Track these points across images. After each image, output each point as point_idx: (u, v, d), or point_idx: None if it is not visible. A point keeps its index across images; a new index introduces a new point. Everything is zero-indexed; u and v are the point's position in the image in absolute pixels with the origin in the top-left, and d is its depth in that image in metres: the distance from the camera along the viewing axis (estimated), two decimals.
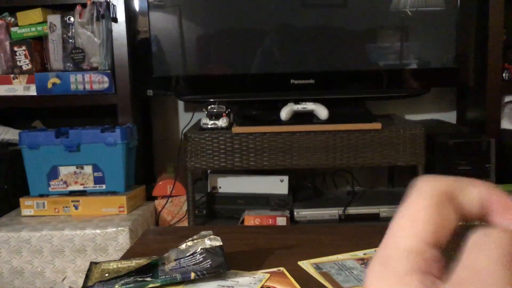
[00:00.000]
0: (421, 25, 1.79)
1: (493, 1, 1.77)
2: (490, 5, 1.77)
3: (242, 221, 1.67)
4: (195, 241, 0.77)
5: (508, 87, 1.86)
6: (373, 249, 0.86)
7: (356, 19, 1.81)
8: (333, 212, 1.73)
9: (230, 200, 1.80)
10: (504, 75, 1.84)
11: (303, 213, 1.72)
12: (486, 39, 1.80)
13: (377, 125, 1.65)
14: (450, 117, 2.14)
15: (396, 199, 1.79)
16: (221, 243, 0.77)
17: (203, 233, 0.79)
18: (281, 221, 1.66)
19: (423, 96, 2.01)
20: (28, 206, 1.69)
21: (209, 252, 0.76)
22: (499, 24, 1.78)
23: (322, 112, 1.68)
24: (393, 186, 2.07)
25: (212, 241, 0.77)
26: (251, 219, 1.66)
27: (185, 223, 1.81)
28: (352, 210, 1.73)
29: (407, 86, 1.81)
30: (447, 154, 1.71)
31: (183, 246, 0.78)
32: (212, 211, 1.81)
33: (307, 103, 1.70)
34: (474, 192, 0.23)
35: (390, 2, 1.76)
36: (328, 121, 1.67)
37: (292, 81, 1.76)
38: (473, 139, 1.73)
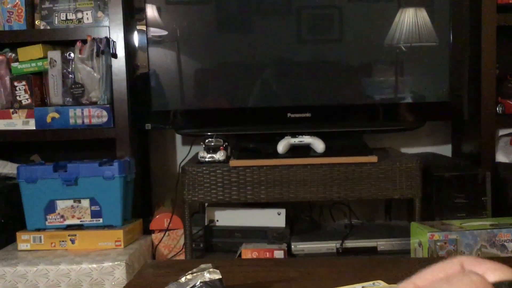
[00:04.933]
0: (415, 60, 1.83)
1: (485, 36, 1.81)
2: (482, 40, 1.80)
3: (240, 255, 1.67)
4: (195, 274, 0.77)
5: (502, 120, 1.88)
6: (371, 282, 0.86)
7: (351, 54, 1.85)
8: (330, 245, 1.73)
9: (227, 233, 1.80)
10: (498, 108, 1.87)
11: (301, 246, 1.72)
12: (479, 74, 1.83)
13: (373, 158, 1.66)
14: (445, 150, 2.16)
15: (393, 232, 1.79)
16: (221, 276, 0.77)
17: (202, 266, 0.79)
18: (279, 254, 1.66)
19: (419, 130, 2.03)
20: (24, 240, 1.69)
21: (208, 285, 0.76)
22: (492, 58, 1.81)
23: (318, 145, 1.69)
24: (390, 219, 2.07)
25: (211, 274, 0.77)
26: (249, 252, 1.66)
27: (182, 257, 1.80)
28: (349, 243, 1.73)
29: (402, 120, 1.84)
30: (444, 187, 1.72)
31: (183, 279, 0.78)
32: (209, 244, 1.81)
33: (303, 136, 1.71)
34: None
35: (385, 37, 1.80)
36: (324, 154, 1.69)
37: (289, 114, 1.78)
38: (469, 172, 1.74)
